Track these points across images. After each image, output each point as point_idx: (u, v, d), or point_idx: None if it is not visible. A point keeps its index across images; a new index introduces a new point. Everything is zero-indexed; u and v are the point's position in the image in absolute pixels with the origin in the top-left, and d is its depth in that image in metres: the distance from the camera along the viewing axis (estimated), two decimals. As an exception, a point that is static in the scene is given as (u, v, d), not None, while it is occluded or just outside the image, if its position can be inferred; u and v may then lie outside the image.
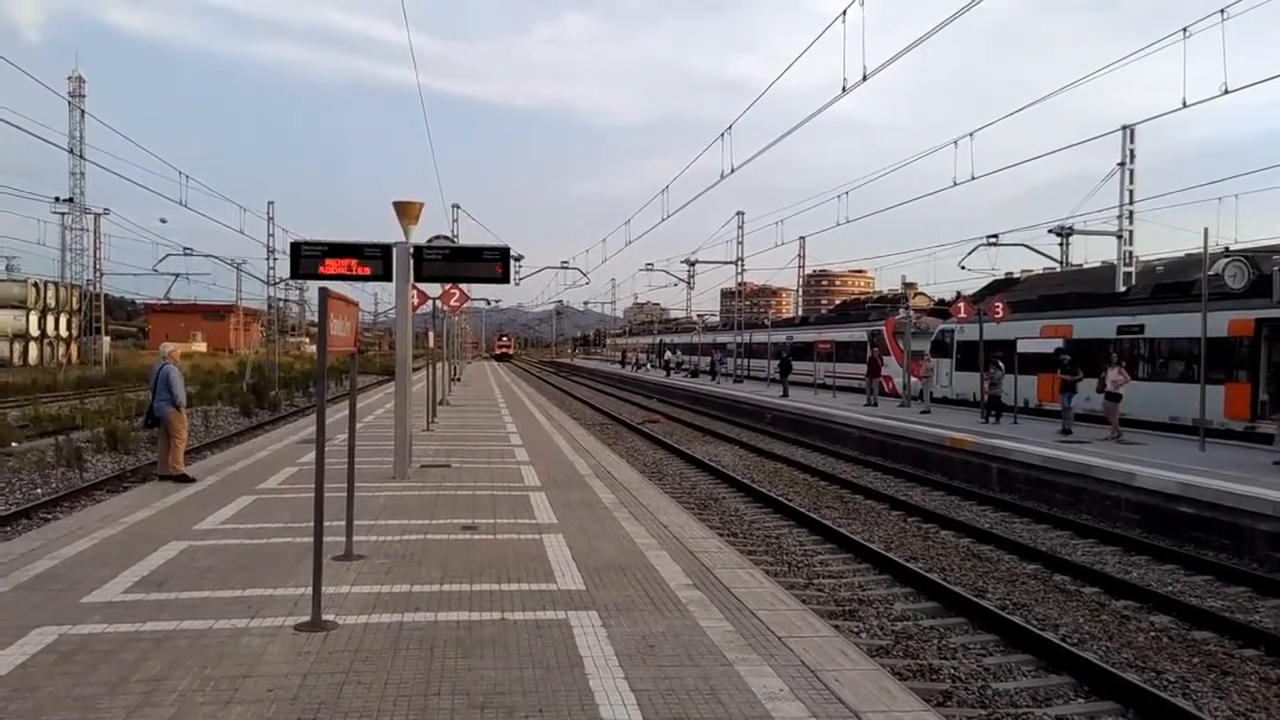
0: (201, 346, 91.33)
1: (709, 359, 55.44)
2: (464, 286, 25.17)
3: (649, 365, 75.60)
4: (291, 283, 60.36)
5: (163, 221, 49.67)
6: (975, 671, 7.92)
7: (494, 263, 12.95)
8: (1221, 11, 17.17)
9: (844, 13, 15.88)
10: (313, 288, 70.81)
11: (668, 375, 61.63)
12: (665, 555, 8.59)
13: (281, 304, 68.59)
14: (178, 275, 53.83)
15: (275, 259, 48.65)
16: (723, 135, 26.06)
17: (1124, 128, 29.27)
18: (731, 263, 54.30)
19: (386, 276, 12.50)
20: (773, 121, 25.58)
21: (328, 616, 6.27)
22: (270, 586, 7.15)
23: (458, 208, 48.21)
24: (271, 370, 46.08)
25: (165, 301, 67.94)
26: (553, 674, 5.39)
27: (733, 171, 26.34)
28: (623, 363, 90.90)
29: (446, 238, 21.88)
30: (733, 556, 8.85)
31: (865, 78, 16.16)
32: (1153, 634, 9.01)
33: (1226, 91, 17.91)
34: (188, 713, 4.73)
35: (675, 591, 7.32)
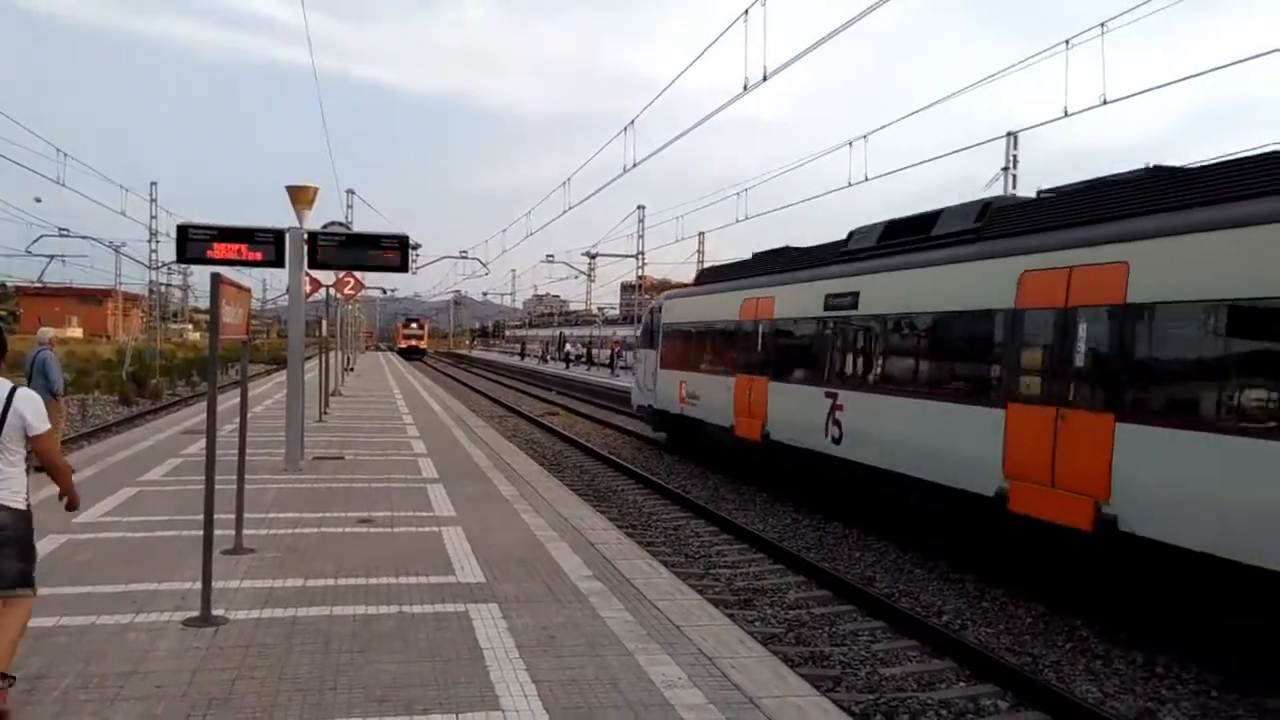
0: (77, 332, 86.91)
1: (609, 352, 55.61)
2: (359, 274, 24.67)
3: (550, 357, 75.33)
4: (175, 267, 58.11)
5: (37, 201, 47.09)
6: (864, 657, 8.20)
7: (392, 251, 12.76)
8: (1101, 25, 18.03)
9: (746, 12, 16.09)
10: (198, 272, 68.18)
11: (567, 368, 61.54)
12: (566, 547, 8.62)
13: (164, 289, 65.87)
14: (53, 257, 51.21)
15: (158, 242, 46.76)
16: (625, 130, 26.13)
17: (1009, 134, 30.49)
18: (632, 256, 54.55)
19: (279, 263, 12.19)
20: (675, 118, 25.77)
21: (217, 611, 6.11)
22: (155, 581, 6.92)
23: (352, 193, 47.11)
24: (153, 358, 44.19)
25: (38, 284, 64.54)
26: (453, 666, 5.37)
27: (634, 166, 26.43)
28: (522, 354, 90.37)
29: (341, 223, 21.38)
30: (632, 548, 8.94)
31: (765, 78, 16.39)
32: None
33: (1105, 102, 18.83)
34: (71, 711, 4.56)
35: (576, 583, 7.36)
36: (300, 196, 12.90)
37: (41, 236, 48.32)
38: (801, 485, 15.39)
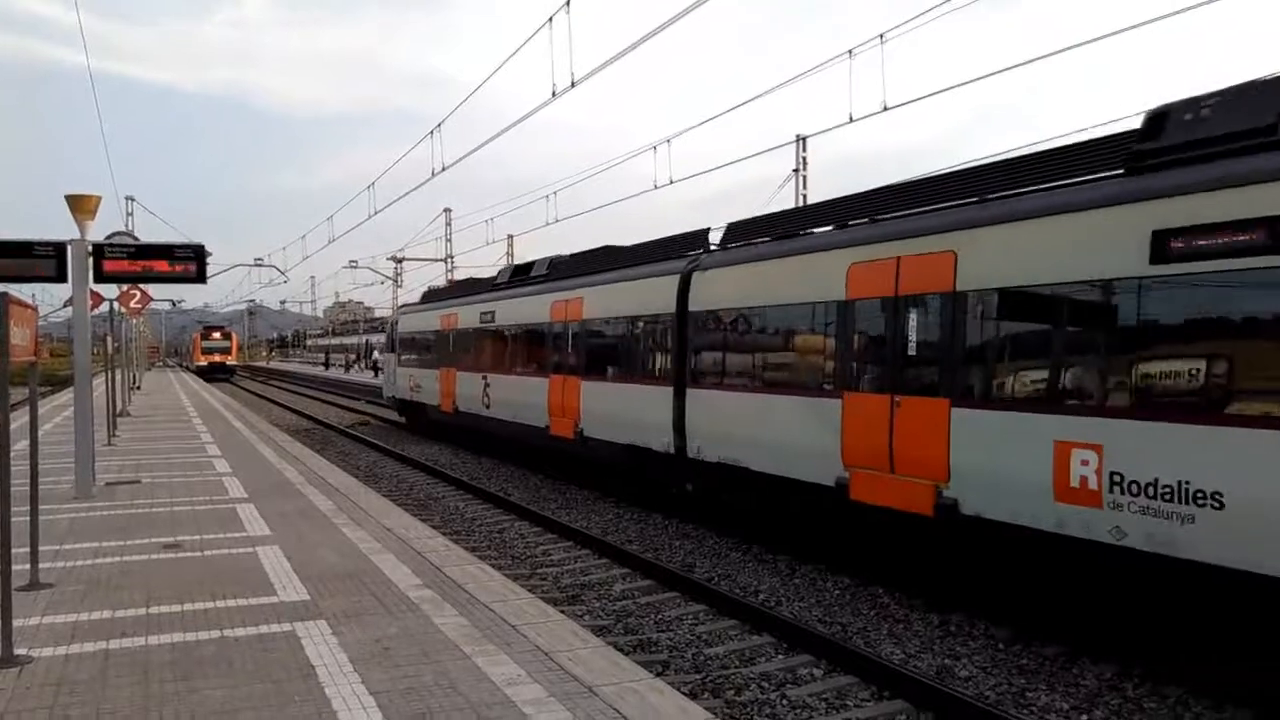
0: None
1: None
2: (149, 287, 23.19)
3: (359, 366, 72.97)
4: (-76, 282, 52.46)
5: None
6: (689, 640, 8.58)
7: (186, 261, 12.17)
8: (880, 36, 19.36)
9: (550, 19, 16.28)
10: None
11: (375, 376, 59.83)
12: (392, 558, 8.54)
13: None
14: None
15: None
16: (432, 133, 25.79)
17: (798, 138, 32.16)
18: (441, 260, 53.74)
19: (61, 278, 11.36)
20: (484, 120, 25.59)
21: (19, 651, 5.71)
22: (-60, 627, 6.36)
23: (133, 200, 44.04)
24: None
25: None
26: (284, 686, 5.27)
27: (444, 170, 26.11)
28: (326, 364, 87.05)
29: (127, 233, 20.07)
30: (460, 554, 8.94)
31: (574, 84, 16.66)
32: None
33: (886, 108, 20.20)
34: None
35: (406, 592, 7.33)
36: (81, 206, 12.04)
37: None
38: (476, 439, 22.56)
